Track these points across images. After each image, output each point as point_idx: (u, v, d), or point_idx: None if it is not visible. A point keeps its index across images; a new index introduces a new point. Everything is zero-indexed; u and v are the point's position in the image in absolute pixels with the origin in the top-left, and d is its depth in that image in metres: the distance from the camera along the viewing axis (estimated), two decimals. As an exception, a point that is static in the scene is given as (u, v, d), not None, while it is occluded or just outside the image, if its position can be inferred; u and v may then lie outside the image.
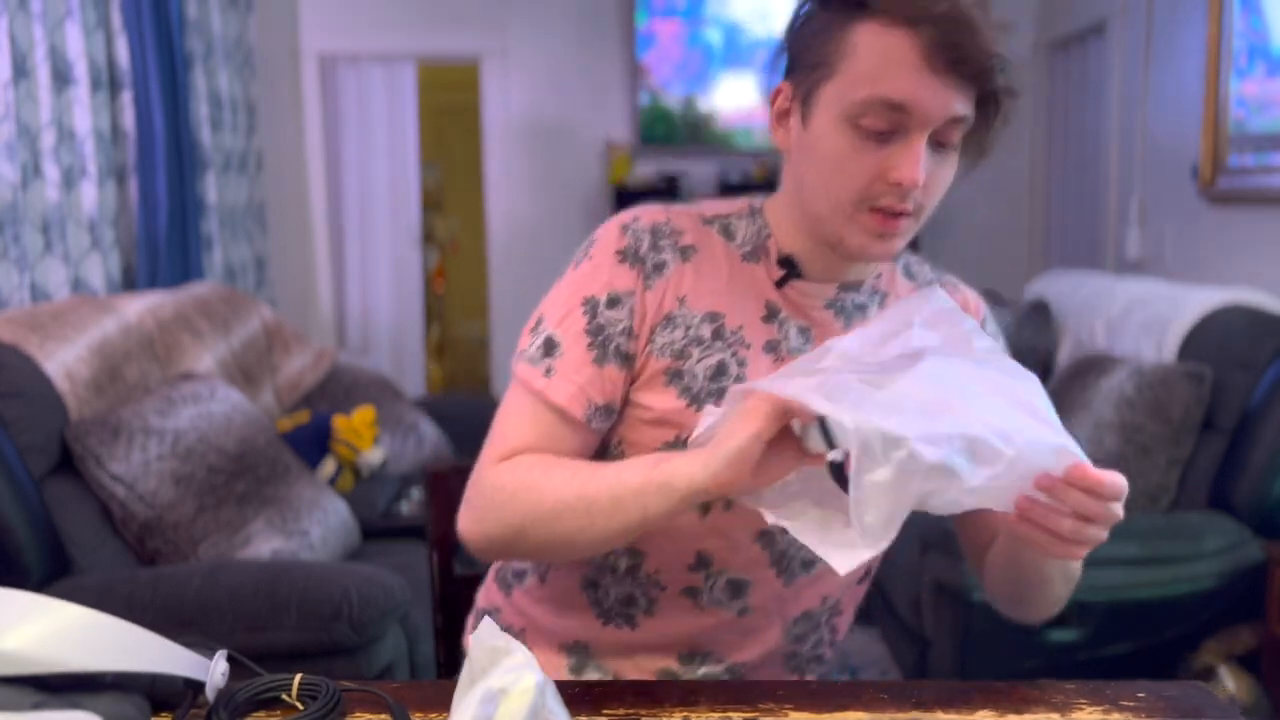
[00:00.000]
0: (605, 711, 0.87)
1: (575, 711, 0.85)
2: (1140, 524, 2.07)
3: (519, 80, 4.39)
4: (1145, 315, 2.58)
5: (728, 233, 1.02)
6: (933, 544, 2.12)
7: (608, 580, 1.04)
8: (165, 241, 2.89)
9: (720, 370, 0.97)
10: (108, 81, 2.69)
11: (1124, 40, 3.47)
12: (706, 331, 0.97)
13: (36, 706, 0.75)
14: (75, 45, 2.48)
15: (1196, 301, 2.44)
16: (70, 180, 2.48)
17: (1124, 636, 2.01)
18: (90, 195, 2.56)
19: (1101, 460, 2.43)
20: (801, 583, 1.03)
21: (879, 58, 0.85)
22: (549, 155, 4.44)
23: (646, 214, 1.01)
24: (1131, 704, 0.87)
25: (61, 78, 2.45)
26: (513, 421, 0.98)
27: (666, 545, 1.00)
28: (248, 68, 3.69)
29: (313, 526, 2.16)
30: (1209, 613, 2.04)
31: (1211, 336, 2.35)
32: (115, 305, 2.35)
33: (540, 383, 0.96)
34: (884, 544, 0.74)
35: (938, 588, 2.09)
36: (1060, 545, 0.79)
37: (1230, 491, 2.15)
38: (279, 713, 0.86)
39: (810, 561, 1.02)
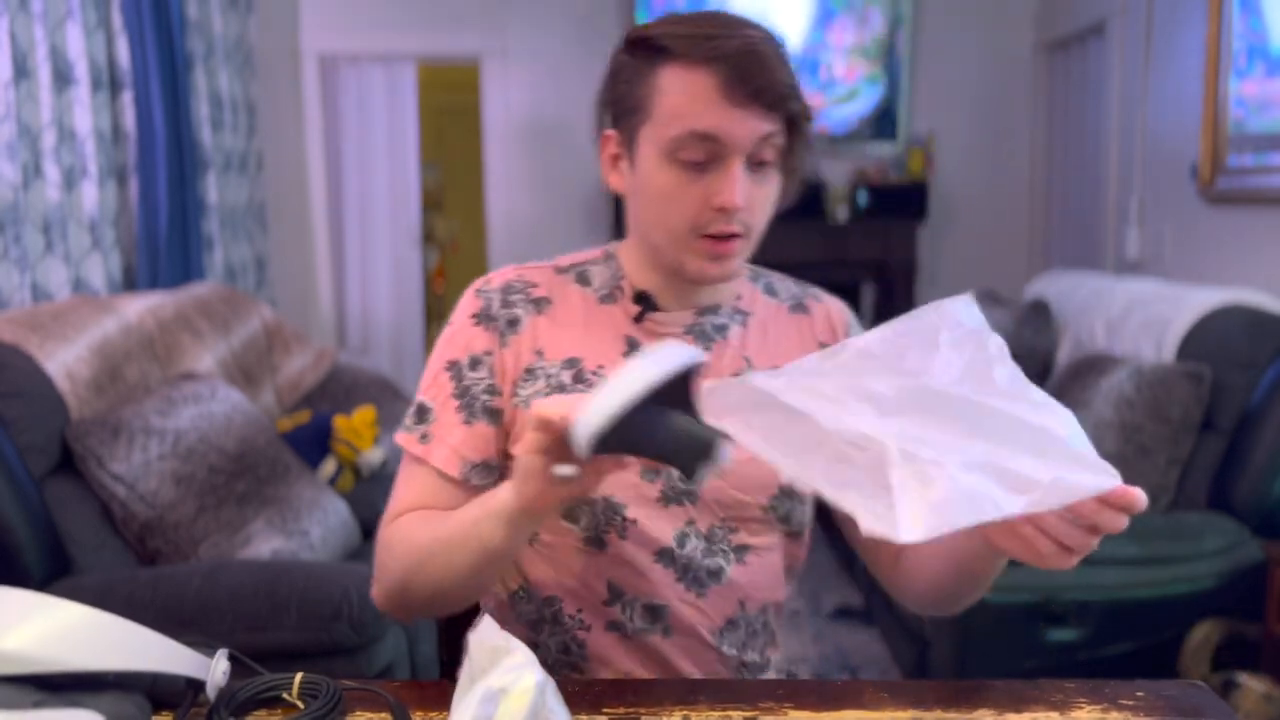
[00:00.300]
0: (605, 710, 0.87)
1: (575, 711, 0.86)
2: (1140, 524, 2.06)
3: (519, 80, 4.39)
4: (1145, 315, 2.58)
5: (584, 279, 1.08)
6: (932, 544, 2.12)
7: (545, 634, 1.05)
8: (165, 241, 2.90)
9: None
10: (108, 82, 2.69)
11: (1124, 40, 3.47)
12: (567, 378, 1.02)
13: (37, 705, 0.75)
14: (76, 45, 2.48)
15: (1196, 301, 2.45)
16: (71, 180, 2.48)
17: (1124, 636, 2.02)
18: (91, 195, 2.56)
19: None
20: (714, 593, 1.03)
21: (684, 96, 0.93)
22: (549, 155, 4.44)
23: (498, 275, 1.07)
24: (1131, 703, 0.88)
25: (62, 78, 2.45)
26: (400, 488, 1.04)
27: (576, 584, 1.02)
28: (248, 68, 3.69)
29: (313, 526, 2.16)
30: (1209, 613, 2.04)
31: (1211, 336, 2.35)
32: (115, 305, 2.35)
33: (417, 448, 1.02)
34: (915, 537, 0.69)
35: (937, 587, 2.09)
36: (1061, 556, 0.78)
37: (1230, 491, 2.16)
38: (280, 712, 0.86)
39: (716, 571, 1.03)
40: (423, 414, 1.03)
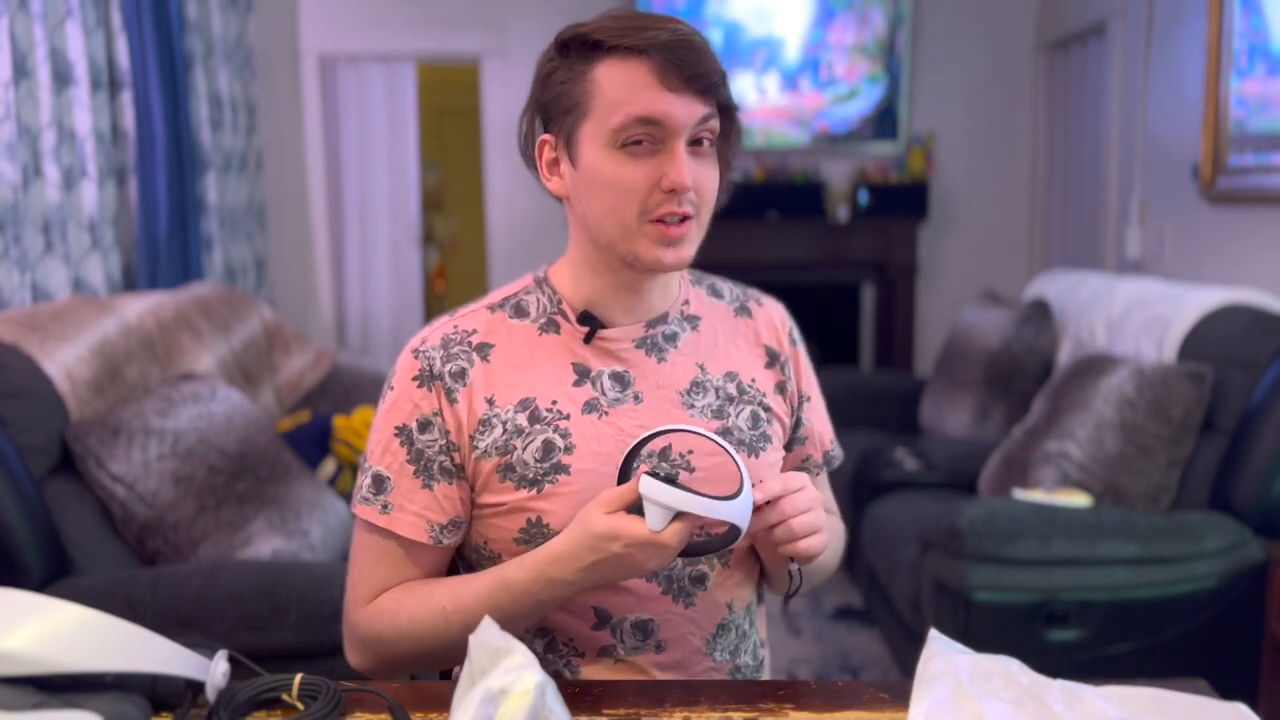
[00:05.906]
0: (606, 711, 0.87)
1: (576, 711, 0.85)
2: (1140, 524, 2.07)
3: (519, 80, 4.38)
4: (1145, 315, 2.58)
5: (519, 311, 1.06)
6: (933, 544, 2.12)
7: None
8: (165, 241, 2.89)
9: (548, 448, 1.00)
10: (108, 82, 2.69)
11: (1124, 40, 3.47)
12: (523, 420, 1.00)
13: (37, 706, 0.75)
14: (75, 45, 2.48)
15: (1196, 301, 2.44)
16: (70, 180, 2.48)
17: (1124, 636, 2.02)
18: (90, 195, 2.56)
19: (1101, 460, 2.41)
20: (701, 600, 1.03)
21: (622, 85, 0.95)
22: (549, 155, 4.43)
23: (434, 330, 1.06)
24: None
25: (62, 78, 2.45)
26: (366, 562, 1.04)
27: (564, 616, 1.02)
28: (248, 68, 3.69)
29: (313, 526, 2.16)
30: (1209, 613, 2.04)
31: (1211, 336, 2.35)
32: (115, 305, 2.35)
33: (380, 519, 1.01)
34: None
35: (938, 587, 2.09)
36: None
37: (1230, 491, 2.15)
38: (279, 713, 0.86)
39: (700, 578, 1.03)
40: (380, 484, 1.02)
